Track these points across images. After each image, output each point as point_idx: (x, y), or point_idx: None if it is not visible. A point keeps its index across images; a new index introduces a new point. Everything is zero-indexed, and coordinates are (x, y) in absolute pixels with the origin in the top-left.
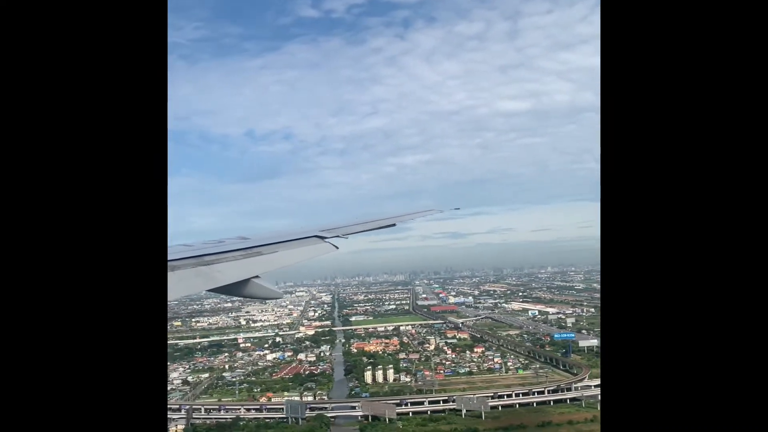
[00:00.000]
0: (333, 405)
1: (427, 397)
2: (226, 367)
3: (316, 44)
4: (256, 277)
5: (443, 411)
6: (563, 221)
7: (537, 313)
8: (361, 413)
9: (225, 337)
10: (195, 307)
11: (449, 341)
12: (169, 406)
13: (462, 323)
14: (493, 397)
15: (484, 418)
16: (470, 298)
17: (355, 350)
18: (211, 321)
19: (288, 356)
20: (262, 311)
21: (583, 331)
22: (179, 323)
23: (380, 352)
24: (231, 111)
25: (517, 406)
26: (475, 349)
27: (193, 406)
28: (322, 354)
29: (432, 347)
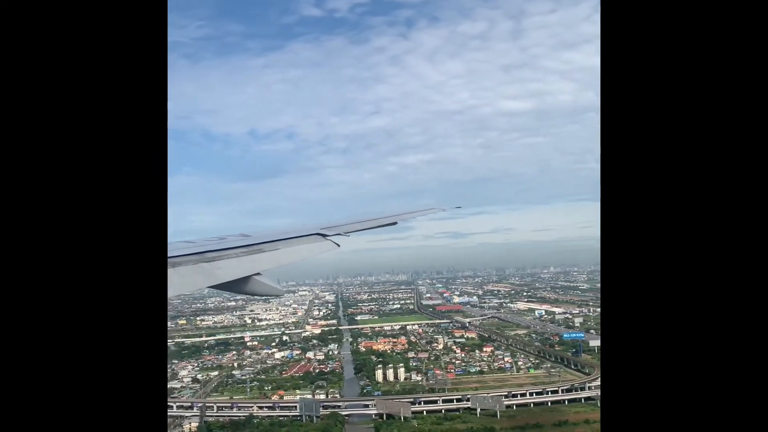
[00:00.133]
0: (346, 403)
1: (440, 396)
2: (235, 365)
3: (319, 43)
4: (258, 274)
5: (457, 410)
6: (565, 221)
7: (543, 313)
8: (375, 411)
9: (231, 336)
10: (199, 305)
11: (457, 340)
12: (180, 404)
13: (469, 323)
14: (507, 396)
15: (499, 417)
16: (474, 297)
17: (363, 349)
18: (215, 319)
19: (296, 355)
20: (266, 310)
21: (592, 331)
22: (184, 321)
23: (389, 351)
24: (233, 110)
25: (532, 405)
26: (485, 349)
27: (206, 404)
28: (330, 352)
29: (440, 346)
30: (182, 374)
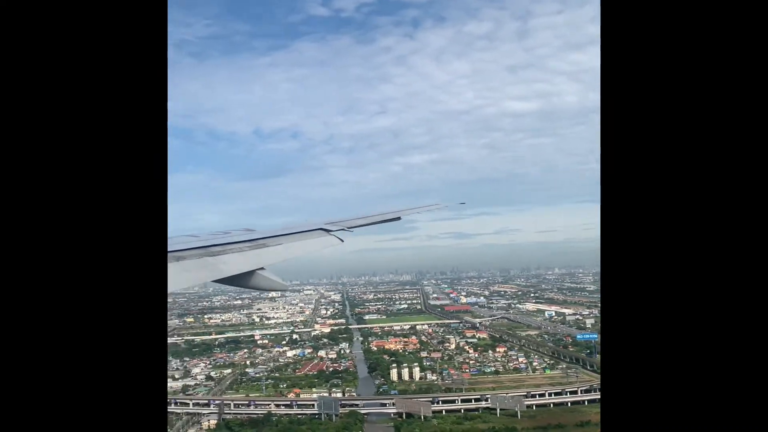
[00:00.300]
0: (364, 402)
1: (458, 396)
2: (248, 363)
3: (325, 42)
4: (262, 269)
5: (476, 409)
6: (569, 222)
7: (554, 314)
8: (393, 410)
9: (241, 334)
10: (205, 303)
11: (470, 340)
12: (196, 401)
13: (479, 323)
14: (525, 397)
15: (520, 417)
16: (482, 298)
17: (375, 348)
18: (223, 318)
19: (308, 353)
20: (274, 308)
21: None
22: (192, 319)
23: (401, 351)
24: (239, 108)
25: (552, 405)
26: (498, 349)
27: (224, 402)
28: (342, 351)
29: (453, 346)
30: (195, 371)
